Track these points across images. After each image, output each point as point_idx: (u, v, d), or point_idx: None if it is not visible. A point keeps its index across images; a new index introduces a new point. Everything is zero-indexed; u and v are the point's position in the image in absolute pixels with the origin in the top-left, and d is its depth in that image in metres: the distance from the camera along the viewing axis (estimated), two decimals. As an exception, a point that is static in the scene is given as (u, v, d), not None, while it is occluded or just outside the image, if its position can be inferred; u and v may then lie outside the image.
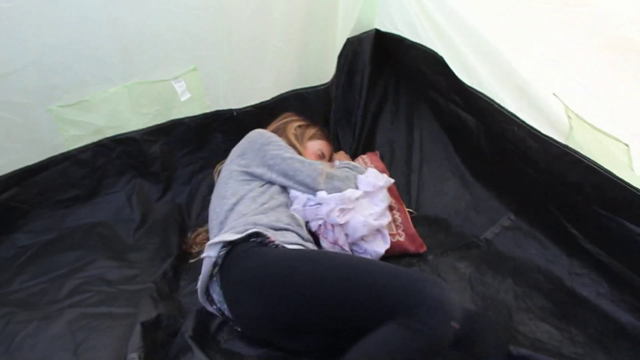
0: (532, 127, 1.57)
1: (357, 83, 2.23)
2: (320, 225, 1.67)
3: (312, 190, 1.68)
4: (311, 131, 1.95)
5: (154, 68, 1.84)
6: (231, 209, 1.60)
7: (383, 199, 1.81)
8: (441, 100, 2.04)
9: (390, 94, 2.33)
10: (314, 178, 1.68)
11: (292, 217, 1.63)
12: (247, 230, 1.45)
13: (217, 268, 1.45)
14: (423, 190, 2.16)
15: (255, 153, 1.69)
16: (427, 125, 2.23)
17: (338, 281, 1.27)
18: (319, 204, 1.68)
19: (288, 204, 1.69)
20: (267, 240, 1.45)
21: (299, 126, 1.94)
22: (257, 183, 1.68)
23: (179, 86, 1.89)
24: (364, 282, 1.25)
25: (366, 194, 1.76)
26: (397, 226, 1.91)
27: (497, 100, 1.67)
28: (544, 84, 1.48)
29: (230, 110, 2.04)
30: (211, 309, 1.52)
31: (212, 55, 1.87)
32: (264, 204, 1.62)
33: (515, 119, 1.62)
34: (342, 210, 1.66)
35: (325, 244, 1.67)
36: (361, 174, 1.81)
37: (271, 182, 1.70)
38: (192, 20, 1.76)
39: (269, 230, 1.48)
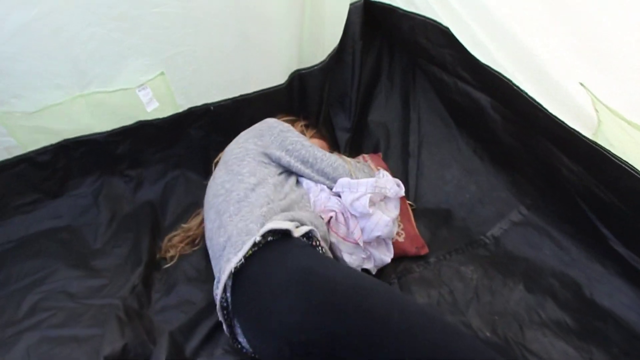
0: (556, 117, 1.34)
1: (347, 61, 1.97)
2: (331, 217, 1.50)
3: (332, 180, 1.56)
4: (312, 130, 1.85)
5: (112, 77, 1.61)
6: (252, 189, 1.42)
7: (396, 206, 1.62)
8: (445, 76, 1.80)
9: (384, 70, 2.08)
10: (336, 167, 1.56)
11: (318, 217, 1.47)
12: (299, 226, 1.32)
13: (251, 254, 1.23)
14: (422, 178, 1.94)
15: (275, 137, 1.56)
16: (425, 104, 2.00)
17: (424, 335, 1.09)
18: (337, 194, 1.55)
19: (305, 198, 1.55)
20: (318, 244, 1.33)
21: (305, 125, 1.83)
22: (275, 170, 1.53)
23: (144, 94, 1.67)
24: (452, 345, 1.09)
25: (385, 198, 1.60)
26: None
27: (517, 82, 1.43)
28: (565, 70, 1.25)
29: (207, 105, 1.82)
30: (219, 294, 1.28)
31: (181, 54, 1.63)
32: (287, 194, 1.47)
33: (538, 105, 1.38)
34: (370, 200, 1.49)
35: (335, 239, 1.50)
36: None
37: (288, 172, 1.57)
38: (154, 20, 1.52)
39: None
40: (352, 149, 2.06)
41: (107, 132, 1.76)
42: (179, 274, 1.65)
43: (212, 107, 1.82)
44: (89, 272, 1.65)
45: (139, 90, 1.66)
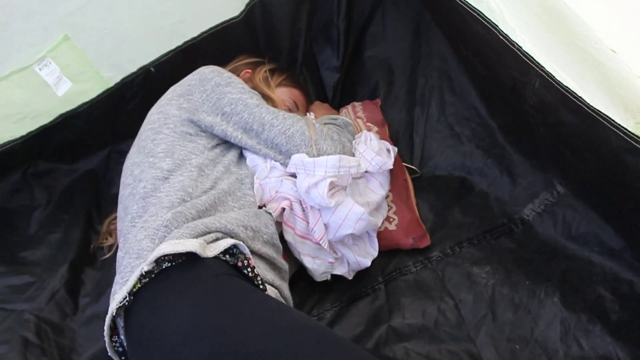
0: (567, 89, 0.85)
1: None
2: (284, 209, 1.10)
3: (286, 155, 1.14)
4: (280, 76, 1.40)
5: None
6: (165, 178, 1.04)
7: (383, 183, 1.20)
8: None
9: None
10: (291, 136, 1.12)
11: (260, 214, 1.05)
12: (219, 238, 0.91)
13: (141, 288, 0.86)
14: (432, 133, 1.46)
15: (208, 95, 1.14)
16: (436, 33, 1.48)
17: None
18: (292, 174, 1.13)
19: (246, 183, 1.13)
20: (246, 264, 0.90)
21: (271, 70, 1.38)
22: (205, 142, 1.13)
23: (48, 72, 1.24)
24: None
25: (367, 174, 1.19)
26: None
27: (505, 31, 0.93)
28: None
29: (145, 69, 1.40)
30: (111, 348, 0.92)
31: (88, 8, 1.21)
32: (216, 182, 1.06)
33: (535, 66, 0.90)
34: (333, 185, 1.07)
35: (291, 237, 1.11)
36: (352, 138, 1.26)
37: (227, 143, 1.17)
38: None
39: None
40: (343, 95, 1.60)
41: (23, 137, 1.37)
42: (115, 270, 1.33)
43: (152, 69, 1.40)
44: (14, 266, 1.36)
45: (40, 68, 1.23)
